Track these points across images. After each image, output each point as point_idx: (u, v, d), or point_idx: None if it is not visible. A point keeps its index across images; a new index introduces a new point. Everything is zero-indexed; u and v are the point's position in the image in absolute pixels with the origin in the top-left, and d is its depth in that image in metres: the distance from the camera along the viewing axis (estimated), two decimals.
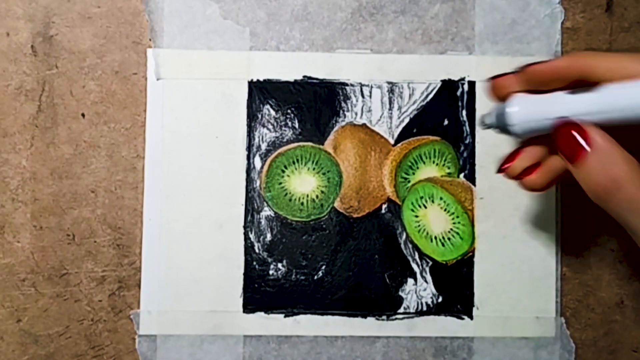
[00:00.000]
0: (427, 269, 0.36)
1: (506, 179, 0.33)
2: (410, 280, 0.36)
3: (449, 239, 0.36)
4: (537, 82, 0.29)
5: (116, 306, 0.36)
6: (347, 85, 0.37)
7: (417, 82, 0.37)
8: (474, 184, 0.37)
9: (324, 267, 0.36)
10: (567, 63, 0.28)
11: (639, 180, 0.27)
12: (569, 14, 0.37)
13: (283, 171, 0.37)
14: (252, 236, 0.36)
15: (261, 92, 0.37)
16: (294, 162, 0.37)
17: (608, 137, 0.27)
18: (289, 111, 0.37)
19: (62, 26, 0.36)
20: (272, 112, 0.37)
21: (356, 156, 0.37)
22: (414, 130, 0.37)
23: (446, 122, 0.37)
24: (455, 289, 0.36)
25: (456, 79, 0.37)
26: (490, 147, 0.37)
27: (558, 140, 0.28)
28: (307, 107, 0.37)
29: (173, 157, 0.36)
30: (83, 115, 0.36)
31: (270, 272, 0.36)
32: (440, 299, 0.36)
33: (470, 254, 0.36)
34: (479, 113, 0.37)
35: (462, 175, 0.37)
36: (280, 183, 0.37)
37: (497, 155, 0.37)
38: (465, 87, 0.37)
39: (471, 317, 0.36)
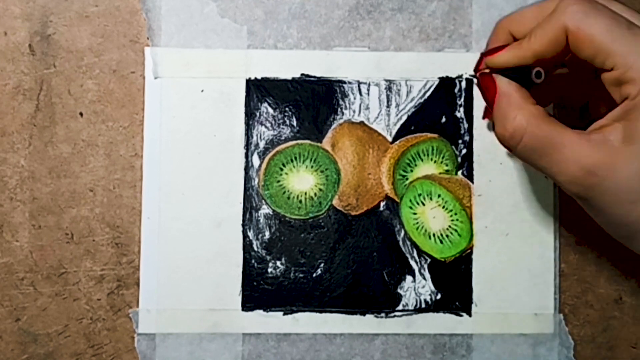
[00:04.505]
0: (426, 266, 0.36)
1: (504, 175, 0.33)
2: (409, 278, 0.36)
3: (447, 236, 0.36)
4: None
5: (115, 305, 0.36)
6: (344, 83, 0.37)
7: (414, 80, 0.37)
8: (472, 181, 0.37)
9: (322, 265, 0.36)
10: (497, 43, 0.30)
11: (537, 127, 0.28)
12: None
13: (281, 169, 0.37)
14: (250, 234, 0.36)
15: (259, 90, 0.37)
16: (292, 160, 0.37)
17: (513, 84, 0.29)
18: (286, 109, 0.37)
19: (59, 25, 0.36)
20: (270, 110, 0.37)
21: (354, 154, 0.37)
22: (412, 128, 0.37)
23: (444, 119, 0.37)
24: (454, 286, 0.36)
25: (454, 76, 0.37)
26: (488, 144, 0.37)
27: (481, 92, 0.31)
28: (305, 105, 0.37)
29: (171, 156, 0.36)
30: (81, 114, 0.36)
31: (269, 270, 0.36)
32: (438, 296, 0.36)
33: (469, 251, 0.36)
34: (476, 110, 0.37)
35: (460, 172, 0.37)
36: (279, 181, 0.37)
37: (495, 153, 0.37)
38: (463, 84, 0.37)
39: (470, 314, 0.36)
